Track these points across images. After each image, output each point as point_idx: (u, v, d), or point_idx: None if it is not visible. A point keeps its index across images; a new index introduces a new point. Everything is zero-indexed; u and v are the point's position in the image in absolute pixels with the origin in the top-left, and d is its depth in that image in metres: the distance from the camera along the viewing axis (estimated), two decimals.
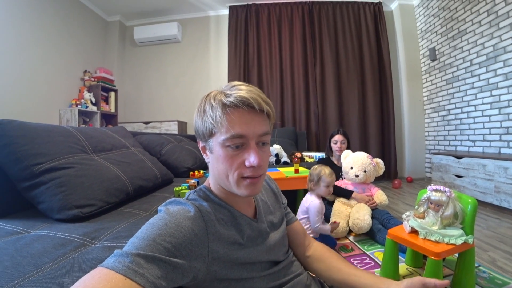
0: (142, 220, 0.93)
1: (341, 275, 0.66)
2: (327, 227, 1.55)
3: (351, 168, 1.93)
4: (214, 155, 0.53)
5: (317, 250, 0.75)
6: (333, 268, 0.69)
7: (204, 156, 0.57)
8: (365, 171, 1.89)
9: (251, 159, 0.49)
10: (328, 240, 1.60)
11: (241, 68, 3.97)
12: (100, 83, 3.61)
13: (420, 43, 3.94)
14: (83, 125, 3.36)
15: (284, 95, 3.94)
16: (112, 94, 3.83)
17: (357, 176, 1.90)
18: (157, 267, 0.39)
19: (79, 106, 3.29)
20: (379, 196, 1.87)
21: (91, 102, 3.49)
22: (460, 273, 1.16)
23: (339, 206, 1.84)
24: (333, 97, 3.85)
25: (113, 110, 3.83)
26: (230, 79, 3.98)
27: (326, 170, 1.58)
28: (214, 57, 4.23)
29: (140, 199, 1.25)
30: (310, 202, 1.55)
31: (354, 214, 1.74)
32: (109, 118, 3.85)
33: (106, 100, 3.78)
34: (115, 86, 3.90)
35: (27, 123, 1.00)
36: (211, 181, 0.59)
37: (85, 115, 3.44)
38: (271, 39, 3.98)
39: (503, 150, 2.66)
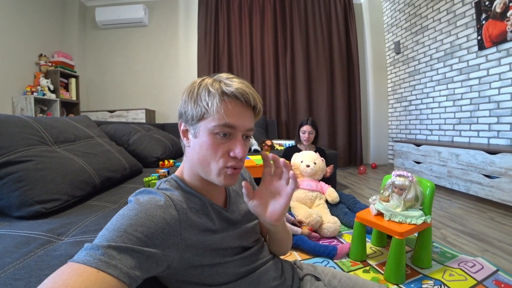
0: (111, 212, 0.89)
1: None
2: (296, 229, 1.53)
3: (301, 162, 1.96)
4: (199, 140, 0.52)
5: None
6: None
7: (184, 140, 0.57)
8: (315, 163, 1.94)
9: (237, 150, 0.51)
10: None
11: (211, 55, 3.88)
12: (59, 68, 3.30)
13: (386, 37, 4.12)
14: (41, 115, 3.09)
15: (255, 83, 3.92)
16: (73, 80, 3.54)
17: (308, 166, 1.93)
18: (130, 257, 0.38)
19: (35, 93, 3.00)
20: (331, 193, 1.88)
21: (49, 89, 3.20)
22: (419, 250, 1.28)
23: (297, 205, 1.79)
24: (303, 86, 3.93)
25: (74, 98, 3.55)
26: (200, 66, 3.90)
27: None
28: (183, 43, 4.07)
29: (108, 191, 1.19)
30: None
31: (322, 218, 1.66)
32: (70, 107, 3.57)
33: (66, 87, 3.48)
34: (75, 72, 3.61)
35: None
36: (186, 168, 0.58)
37: (42, 104, 3.16)
38: (242, 26, 3.92)
39: (455, 139, 2.92)
